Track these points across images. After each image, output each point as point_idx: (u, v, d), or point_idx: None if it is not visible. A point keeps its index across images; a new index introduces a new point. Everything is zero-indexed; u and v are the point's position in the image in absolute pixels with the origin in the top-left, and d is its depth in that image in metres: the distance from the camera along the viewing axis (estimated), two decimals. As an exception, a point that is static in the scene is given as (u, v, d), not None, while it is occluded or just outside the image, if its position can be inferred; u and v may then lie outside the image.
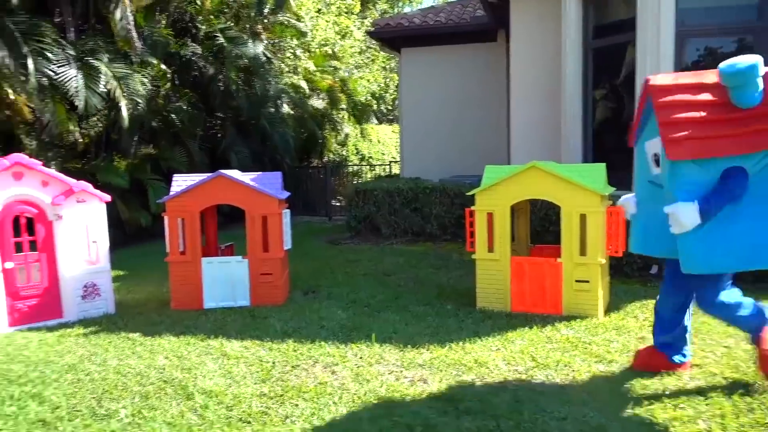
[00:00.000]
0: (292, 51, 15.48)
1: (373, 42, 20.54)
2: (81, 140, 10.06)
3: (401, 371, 4.13)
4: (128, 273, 8.06)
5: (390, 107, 27.37)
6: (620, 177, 6.97)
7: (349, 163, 20.44)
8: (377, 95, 24.02)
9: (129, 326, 5.45)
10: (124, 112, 9.79)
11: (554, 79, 9.08)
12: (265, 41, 13.91)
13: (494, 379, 3.93)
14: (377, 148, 23.14)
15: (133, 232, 10.83)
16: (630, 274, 6.80)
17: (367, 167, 21.36)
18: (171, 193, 6.03)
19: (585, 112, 8.54)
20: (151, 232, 11.04)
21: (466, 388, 3.77)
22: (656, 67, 7.34)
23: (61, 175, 5.78)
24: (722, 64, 3.41)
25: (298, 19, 15.33)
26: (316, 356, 4.47)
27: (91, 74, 9.36)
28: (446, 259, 8.38)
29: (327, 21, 19.10)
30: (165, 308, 6.05)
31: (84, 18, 10.79)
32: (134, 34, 10.00)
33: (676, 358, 3.99)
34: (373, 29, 13.55)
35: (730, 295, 3.70)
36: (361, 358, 4.41)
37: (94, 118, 10.43)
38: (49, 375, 4.22)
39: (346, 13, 21.23)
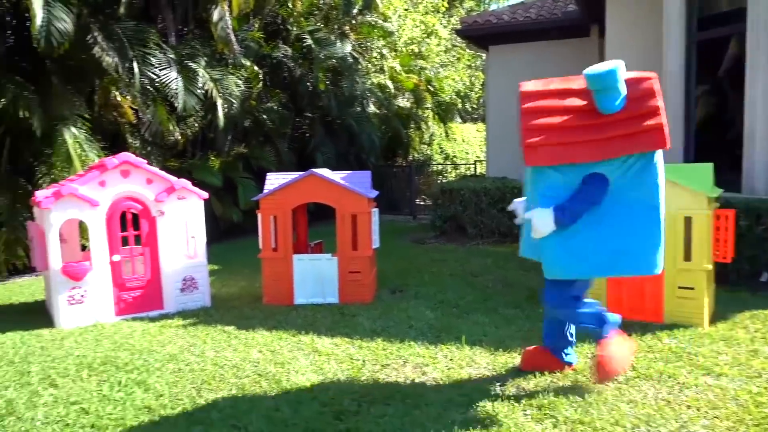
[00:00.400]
0: (378, 51, 15.59)
1: (460, 40, 20.38)
2: (179, 139, 10.53)
3: (493, 375, 4.04)
4: (221, 268, 8.36)
5: (475, 106, 27.07)
6: (728, 178, 6.56)
7: (433, 162, 20.37)
8: (462, 94, 23.80)
9: (224, 319, 5.64)
10: (220, 113, 10.18)
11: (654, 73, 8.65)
12: (353, 42, 14.07)
13: (591, 388, 3.76)
14: (461, 147, 22.93)
15: (225, 228, 11.23)
16: (736, 282, 6.37)
17: (451, 166, 21.22)
18: (264, 191, 6.19)
19: (687, 109, 8.09)
20: (242, 228, 11.43)
21: (561, 395, 3.64)
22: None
23: (164, 173, 6.06)
24: (588, 68, 3.39)
25: (385, 19, 15.41)
26: (406, 356, 4.46)
27: (189, 76, 9.78)
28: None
29: (413, 20, 19.10)
30: (257, 303, 6.23)
31: (184, 23, 11.30)
32: (232, 37, 10.37)
33: (563, 356, 4.08)
34: (460, 27, 13.42)
35: (579, 299, 3.78)
36: (451, 359, 4.36)
37: (191, 119, 10.89)
38: (152, 363, 4.43)
39: (433, 11, 21.15)
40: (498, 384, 3.88)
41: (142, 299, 5.90)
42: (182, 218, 6.18)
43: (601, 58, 11.76)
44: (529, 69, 12.72)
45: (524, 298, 6.11)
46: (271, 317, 5.62)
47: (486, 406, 3.52)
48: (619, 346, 3.72)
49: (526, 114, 3.61)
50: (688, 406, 3.47)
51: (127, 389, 3.95)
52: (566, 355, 4.10)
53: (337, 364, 4.31)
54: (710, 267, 4.97)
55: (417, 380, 3.97)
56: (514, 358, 4.33)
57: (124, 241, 5.89)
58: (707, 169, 5.14)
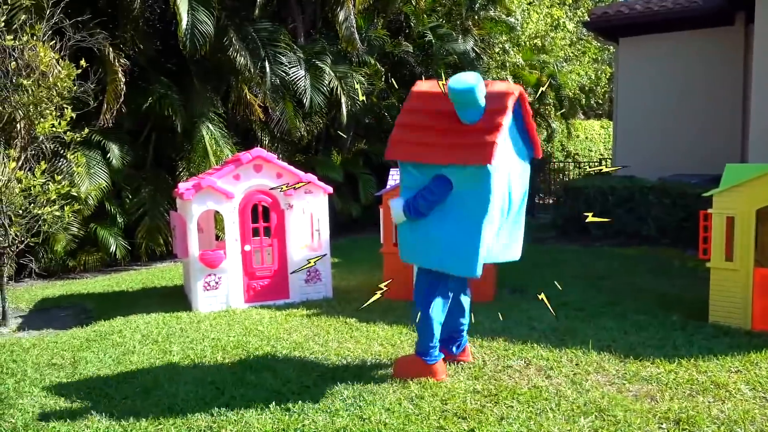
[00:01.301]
0: (501, 46, 15.29)
1: (586, 33, 19.57)
2: (305, 135, 10.93)
3: (623, 383, 3.83)
4: (342, 261, 8.59)
5: (600, 101, 25.88)
6: None
7: (554, 160, 19.73)
8: (587, 89, 22.84)
9: (345, 311, 5.78)
10: (344, 109, 10.46)
11: (810, 64, 7.84)
12: (475, 37, 13.91)
13: (736, 405, 3.47)
14: (584, 144, 22.03)
15: (344, 223, 11.53)
16: None
17: (572, 164, 20.45)
18: (387, 186, 6.27)
19: None
20: (360, 223, 11.68)
21: (702, 411, 3.38)
22: None
23: (293, 168, 6.31)
24: (452, 79, 3.59)
25: (509, 13, 15.09)
26: (529, 358, 4.34)
27: (316, 75, 10.13)
28: (666, 265, 7.68)
29: (538, 13, 18.57)
30: (377, 296, 6.32)
31: (312, 23, 11.71)
32: (356, 36, 10.61)
33: (453, 349, 4.23)
34: (588, 19, 12.86)
35: (439, 307, 3.92)
36: (577, 364, 4.19)
37: (317, 115, 11.27)
38: (279, 350, 4.63)
39: (559, 3, 20.45)
40: (630, 393, 3.67)
41: (269, 288, 6.19)
42: (308, 211, 6.40)
43: (747, 49, 10.81)
44: (664, 62, 12.00)
45: (656, 304, 5.76)
46: (391, 311, 5.69)
47: (617, 415, 3.35)
48: (417, 368, 3.93)
49: (403, 112, 3.92)
50: None
51: (258, 373, 4.15)
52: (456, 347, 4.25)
53: (458, 363, 4.27)
54: None
55: (541, 383, 3.85)
56: (647, 367, 4.08)
57: (255, 232, 6.20)
58: None
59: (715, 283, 5.07)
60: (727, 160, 10.79)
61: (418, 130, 3.79)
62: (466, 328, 4.27)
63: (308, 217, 6.50)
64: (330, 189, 6.46)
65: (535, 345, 4.59)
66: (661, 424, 3.27)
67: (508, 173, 3.79)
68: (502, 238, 3.92)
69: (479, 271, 3.69)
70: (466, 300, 4.25)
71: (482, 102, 3.59)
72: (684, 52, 11.80)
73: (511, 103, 3.66)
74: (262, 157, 6.04)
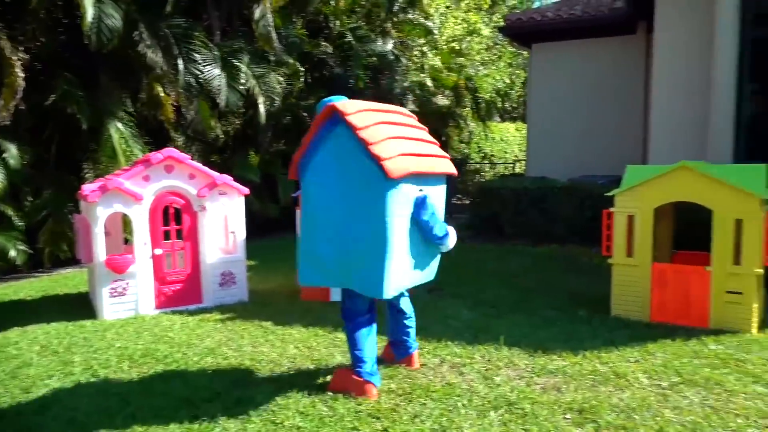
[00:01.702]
0: (419, 49, 15.51)
1: (501, 38, 20.16)
2: (221, 136, 10.67)
3: (532, 377, 3.96)
4: (259, 263, 8.43)
5: (515, 104, 26.74)
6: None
7: (470, 161, 20.22)
8: (502, 92, 23.53)
9: (261, 315, 5.68)
10: (261, 109, 10.29)
11: (703, 72, 8.38)
12: (394, 39, 14.04)
13: (634, 393, 3.65)
14: (500, 146, 22.70)
15: (262, 225, 11.33)
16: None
17: (489, 165, 21.01)
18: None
19: (738, 108, 7.81)
20: (279, 225, 11.52)
21: (603, 400, 3.54)
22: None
23: (207, 169, 6.14)
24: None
25: (427, 17, 15.32)
26: (443, 355, 4.41)
27: (232, 73, 9.89)
28: (575, 262, 8.02)
29: (455, 18, 18.96)
30: (294, 299, 6.25)
31: (228, 21, 11.44)
32: (273, 35, 10.45)
33: (400, 354, 4.22)
34: (503, 25, 13.26)
35: (361, 327, 3.81)
36: (489, 360, 4.29)
37: (233, 115, 11.03)
38: (191, 357, 4.49)
39: (476, 9, 20.96)
40: (538, 386, 3.80)
41: (181, 293, 5.99)
42: (223, 213, 6.25)
43: (648, 56, 11.46)
44: (574, 67, 12.53)
45: (565, 300, 6.00)
46: (308, 314, 5.64)
47: (525, 408, 3.45)
48: (348, 383, 3.74)
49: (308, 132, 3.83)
50: (737, 414, 3.33)
51: (167, 382, 4.00)
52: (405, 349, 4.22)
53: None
54: (761, 271, 4.78)
55: (454, 380, 3.92)
56: (554, 361, 4.24)
57: (166, 235, 5.98)
58: (760, 169, 4.95)
59: (617, 279, 5.34)
60: (632, 161, 11.42)
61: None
62: (413, 332, 4.20)
63: (223, 219, 6.35)
64: (246, 190, 6.33)
65: (449, 342, 4.67)
66: (566, 414, 3.39)
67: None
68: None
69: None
70: (406, 303, 4.18)
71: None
72: (592, 59, 12.37)
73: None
74: (174, 157, 5.84)
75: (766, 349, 4.39)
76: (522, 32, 12.95)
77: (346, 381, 3.74)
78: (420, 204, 3.67)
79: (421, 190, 3.71)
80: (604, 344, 4.55)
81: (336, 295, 6.09)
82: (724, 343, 4.53)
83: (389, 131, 3.62)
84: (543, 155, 12.84)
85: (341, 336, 4.90)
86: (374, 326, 3.90)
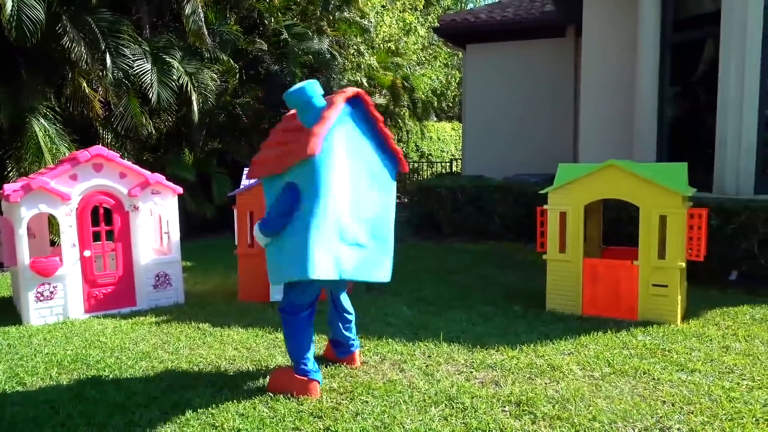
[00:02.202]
0: (355, 48, 15.52)
1: (437, 38, 20.40)
2: (153, 133, 10.35)
3: (471, 372, 4.04)
4: (195, 264, 8.24)
5: (451, 104, 27.16)
6: (699, 178, 6.67)
7: (409, 160, 20.39)
8: (439, 92, 23.86)
9: (198, 316, 5.55)
10: (195, 107, 10.04)
11: (628, 75, 8.77)
12: (330, 38, 13.99)
13: (569, 384, 3.78)
14: (437, 145, 23.01)
15: (197, 224, 11.09)
16: (707, 280, 6.49)
17: (426, 164, 21.25)
18: (241, 186, 6.11)
19: (661, 110, 8.21)
20: (215, 224, 11.29)
21: (539, 392, 3.65)
22: (741, 63, 6.98)
23: (138, 168, 5.94)
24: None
25: (363, 16, 15.35)
26: (384, 353, 4.43)
27: (164, 69, 9.62)
28: (511, 258, 8.22)
29: (391, 17, 19.07)
30: (232, 300, 6.15)
31: (159, 15, 11.11)
32: (205, 30, 10.21)
33: (341, 353, 4.21)
34: (438, 26, 13.43)
35: (305, 321, 3.78)
36: (429, 356, 4.34)
37: (165, 113, 10.72)
38: (124, 361, 4.34)
39: (411, 9, 21.14)
40: (477, 381, 3.87)
41: (113, 296, 5.78)
42: (156, 213, 6.07)
43: (577, 59, 11.88)
44: (506, 68, 12.85)
45: (501, 295, 6.14)
46: (247, 314, 5.55)
47: (465, 402, 3.51)
48: (289, 382, 3.70)
49: (270, 134, 3.85)
50: (664, 402, 3.50)
51: (99, 387, 3.85)
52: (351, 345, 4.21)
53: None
54: (684, 265, 5.04)
55: (395, 377, 3.95)
56: (492, 355, 4.33)
57: (96, 237, 5.76)
58: (682, 168, 5.21)
59: (551, 274, 5.50)
60: (564, 160, 11.79)
61: (271, 148, 3.73)
62: (352, 329, 4.19)
63: (156, 219, 6.17)
64: (179, 189, 6.17)
65: (390, 340, 4.70)
66: (504, 407, 3.48)
67: (356, 180, 3.66)
68: (362, 252, 3.68)
69: (313, 272, 3.27)
70: (345, 300, 4.18)
71: (318, 102, 3.47)
72: (525, 60, 12.72)
73: (340, 99, 3.52)
74: (103, 155, 5.62)
75: (689, 339, 4.63)
76: (456, 33, 13.17)
77: (287, 381, 3.70)
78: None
79: None
80: (540, 338, 4.69)
81: (276, 295, 6.03)
82: (651, 334, 4.75)
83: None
84: (479, 154, 13.11)
85: (281, 336, 4.84)
86: (313, 322, 3.86)
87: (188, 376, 4.04)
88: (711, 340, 4.62)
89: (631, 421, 3.27)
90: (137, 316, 5.64)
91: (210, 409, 3.50)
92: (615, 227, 7.43)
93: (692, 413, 3.35)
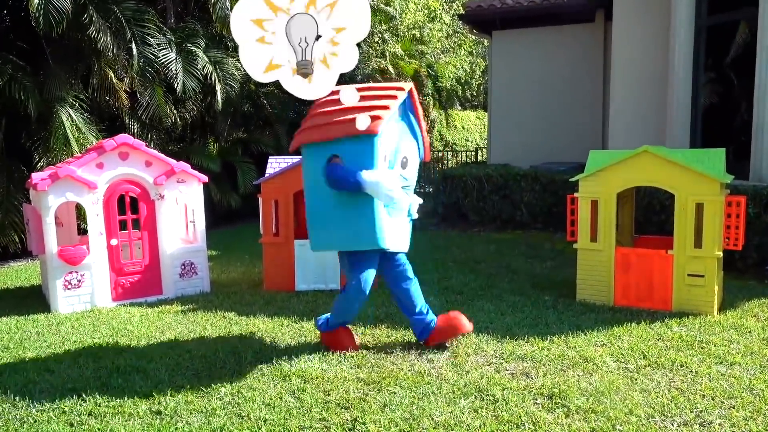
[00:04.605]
0: (380, 35, 15.38)
1: (462, 26, 20.15)
2: (178, 123, 10.38)
3: (501, 363, 3.94)
4: (220, 253, 8.25)
5: (475, 93, 26.86)
6: (735, 166, 6.45)
7: (432, 150, 20.21)
8: (463, 81, 23.60)
9: (224, 305, 5.53)
10: (219, 96, 10.02)
11: (660, 60, 8.53)
12: (354, 26, 13.86)
13: (602, 377, 3.66)
14: (461, 134, 22.79)
15: (223, 214, 11.12)
16: (744, 270, 6.28)
17: (451, 153, 21.06)
18: (266, 175, 6.07)
19: (695, 96, 7.96)
20: (240, 214, 11.30)
21: (572, 384, 3.54)
22: (780, 44, 6.71)
23: (163, 156, 5.93)
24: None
25: (388, 3, 15.20)
26: (411, 343, 4.35)
27: (188, 59, 9.61)
28: (538, 248, 8.07)
29: (416, 3, 18.86)
30: (257, 289, 6.12)
31: (184, 4, 11.11)
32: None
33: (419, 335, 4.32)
34: (463, 12, 13.22)
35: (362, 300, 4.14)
36: (457, 347, 4.25)
37: (190, 102, 10.74)
38: (151, 350, 4.32)
39: (435, -5, 20.91)
40: (507, 372, 3.78)
41: (140, 284, 5.79)
42: (182, 202, 6.07)
43: (606, 45, 11.60)
44: (533, 55, 12.60)
45: (530, 285, 6.02)
46: (272, 303, 5.52)
47: (496, 394, 3.42)
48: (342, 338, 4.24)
49: (315, 106, 4.24)
50: (703, 395, 3.37)
51: (126, 376, 3.84)
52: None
53: (341, 352, 4.20)
54: (721, 254, 4.87)
55: (423, 368, 3.87)
56: (522, 346, 4.23)
57: (123, 225, 5.77)
58: (719, 154, 5.03)
59: (582, 263, 5.36)
60: (591, 148, 11.56)
61: (316, 117, 4.06)
62: (418, 311, 4.30)
63: (182, 207, 6.16)
64: (205, 178, 6.15)
65: (417, 330, 4.62)
66: (536, 399, 3.38)
67: (398, 160, 4.06)
68: (396, 225, 4.07)
69: (383, 242, 3.87)
70: (408, 285, 4.36)
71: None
72: (552, 46, 12.45)
73: (401, 93, 4.03)
74: (128, 143, 5.62)
75: (727, 331, 4.47)
76: (482, 19, 12.93)
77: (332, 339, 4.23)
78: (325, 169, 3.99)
79: (334, 156, 3.99)
80: (571, 329, 4.57)
81: (301, 284, 5.99)
82: (687, 326, 4.60)
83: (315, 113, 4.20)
84: (504, 143, 12.91)
85: (307, 326, 4.81)
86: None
87: (214, 365, 4.01)
88: (750, 332, 4.45)
89: (669, 415, 3.15)
90: (164, 304, 5.64)
91: (236, 398, 3.47)
92: (646, 215, 7.26)
93: (734, 408, 3.22)
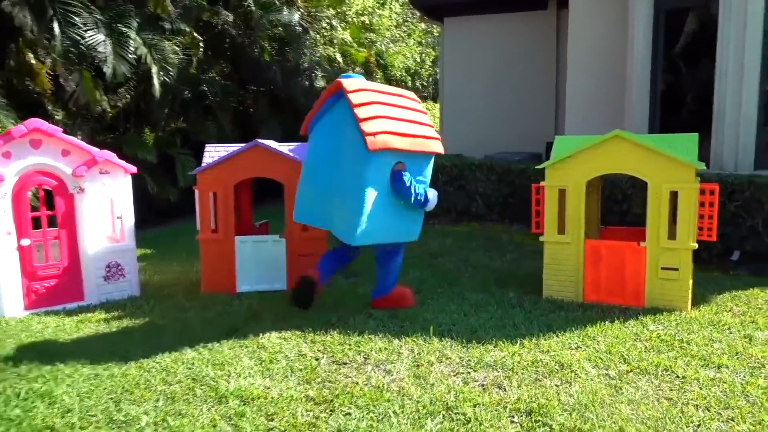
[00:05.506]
0: (328, 21, 14.78)
1: (412, 13, 19.73)
2: (109, 111, 9.56)
3: (469, 372, 3.50)
4: (156, 252, 7.58)
5: (425, 83, 26.51)
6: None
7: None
8: (412, 71, 23.19)
9: (155, 311, 4.92)
10: (155, 82, 9.26)
11: (618, 47, 8.27)
12: (301, 10, 13.23)
13: (583, 385, 3.27)
14: (412, 125, 22.37)
15: (161, 209, 10.37)
16: (708, 261, 6.07)
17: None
18: (203, 165, 5.47)
19: (653, 83, 7.73)
20: (180, 208, 10.55)
21: (551, 397, 3.12)
22: (741, 29, 6.52)
23: (84, 144, 5.24)
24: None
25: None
26: (366, 351, 3.86)
27: (120, 40, 8.81)
28: (496, 240, 7.70)
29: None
30: (194, 291, 5.51)
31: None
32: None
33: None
34: (414, -3, 12.77)
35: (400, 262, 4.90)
36: (418, 354, 3.79)
37: (123, 89, 9.94)
38: (62, 369, 3.68)
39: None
40: (477, 384, 3.33)
41: (57, 290, 5.09)
42: (106, 196, 5.39)
43: (559, 32, 11.36)
44: (485, 43, 12.25)
45: (491, 281, 5.62)
46: (210, 308, 4.94)
47: (467, 412, 2.97)
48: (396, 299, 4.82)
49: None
50: (696, 406, 3.01)
51: (27, 403, 3.20)
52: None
53: (287, 363, 3.68)
54: (696, 246, 4.56)
55: (381, 381, 3.39)
56: (490, 351, 3.80)
57: (36, 223, 5.06)
58: (693, 139, 4.72)
59: (549, 257, 4.99)
60: (545, 137, 11.32)
61: (391, 122, 4.34)
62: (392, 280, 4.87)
63: (107, 202, 5.48)
64: (133, 168, 5.49)
65: (373, 336, 4.13)
66: (513, 417, 2.95)
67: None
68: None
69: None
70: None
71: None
72: (504, 34, 12.13)
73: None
74: (41, 129, 4.91)
75: (706, 328, 4.17)
76: (433, 4, 12.51)
77: (393, 299, 4.77)
78: (395, 175, 4.35)
79: (399, 163, 4.36)
80: (541, 330, 4.18)
81: (243, 286, 5.42)
82: (663, 323, 4.28)
83: (381, 111, 4.30)
84: (457, 133, 12.53)
85: (249, 333, 4.25)
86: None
87: (138, 386, 3.42)
88: (730, 329, 4.16)
89: (665, 431, 2.77)
90: (84, 312, 4.96)
91: (161, 426, 2.91)
92: (607, 205, 6.97)
93: (733, 420, 2.86)
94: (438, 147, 4.61)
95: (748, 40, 6.51)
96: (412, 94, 4.86)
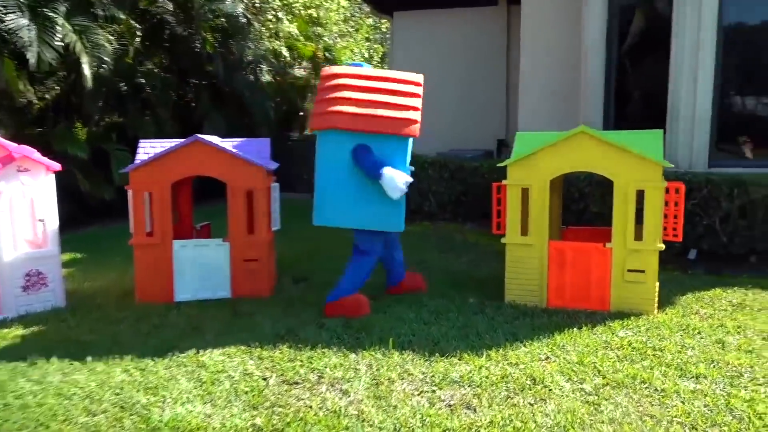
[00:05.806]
0: (273, 13, 14.25)
1: (360, 8, 19.36)
2: (36, 103, 8.84)
3: (434, 390, 3.18)
4: (87, 256, 6.98)
5: (373, 80, 26.19)
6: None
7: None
8: (361, 67, 22.81)
9: (81, 325, 4.41)
10: (87, 72, 8.59)
11: (572, 42, 8.14)
12: (246, 1, 12.68)
13: (559, 403, 3.00)
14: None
15: (96, 209, 9.68)
16: (666, 260, 5.94)
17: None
18: (136, 162, 4.97)
19: (607, 80, 7.61)
20: (117, 208, 9.88)
21: (527, 419, 2.84)
22: (696, 22, 6.45)
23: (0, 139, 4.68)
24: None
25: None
26: (320, 368, 3.50)
27: (45, 25, 8.12)
28: (450, 240, 7.45)
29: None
30: (128, 301, 5.01)
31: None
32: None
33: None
34: (363, -11, 12.41)
35: (372, 264, 4.84)
36: (377, 370, 3.46)
37: (52, 80, 9.22)
38: (-33, 397, 3.19)
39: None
40: (444, 405, 3.02)
41: (-32, 302, 4.52)
42: (25, 196, 4.83)
43: (510, 28, 11.23)
44: (434, 38, 12.03)
45: (449, 285, 5.34)
46: (145, 320, 4.46)
47: (436, 442, 2.65)
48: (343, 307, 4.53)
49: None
50: (681, 424, 2.78)
51: None
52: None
53: (231, 385, 3.28)
54: (663, 247, 4.39)
55: (338, 404, 3.03)
56: (455, 365, 3.50)
57: (-58, 227, 4.47)
58: (658, 135, 4.55)
59: (511, 260, 4.73)
60: (496, 134, 11.16)
61: (358, 103, 4.38)
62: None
63: (26, 203, 4.92)
64: (57, 166, 4.95)
65: (327, 350, 3.77)
66: (487, 444, 2.65)
67: None
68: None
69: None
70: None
71: None
72: (454, 30, 11.93)
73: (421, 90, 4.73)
74: (-55, 121, 4.34)
75: (676, 333, 3.99)
76: (382, -3, 12.22)
77: (341, 307, 4.47)
78: (354, 151, 4.34)
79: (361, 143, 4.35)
80: (507, 339, 3.90)
81: (182, 294, 4.96)
82: (632, 329, 4.07)
83: (343, 93, 4.32)
84: (408, 130, 12.27)
85: (187, 349, 3.82)
86: None
87: (55, 417, 2.96)
88: (700, 333, 3.99)
89: (653, 458, 2.52)
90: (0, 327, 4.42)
91: (81, 469, 2.48)
92: (564, 204, 6.80)
93: (722, 440, 2.64)
94: (409, 130, 4.46)
95: (702, 37, 6.45)
96: (414, 77, 4.70)
